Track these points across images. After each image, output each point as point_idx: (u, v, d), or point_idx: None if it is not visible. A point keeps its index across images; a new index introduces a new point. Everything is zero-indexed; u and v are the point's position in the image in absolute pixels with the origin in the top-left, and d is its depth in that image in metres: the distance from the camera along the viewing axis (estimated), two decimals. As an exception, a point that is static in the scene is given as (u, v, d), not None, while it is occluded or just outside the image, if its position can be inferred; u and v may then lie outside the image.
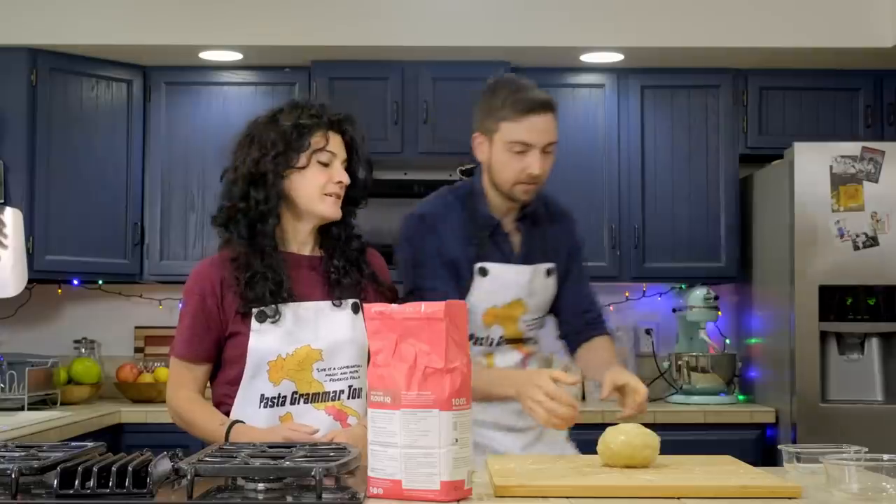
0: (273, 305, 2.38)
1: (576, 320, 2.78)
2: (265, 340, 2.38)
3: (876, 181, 4.16)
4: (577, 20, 4.45)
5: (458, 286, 2.60)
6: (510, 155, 2.58)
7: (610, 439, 2.11)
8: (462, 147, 4.74)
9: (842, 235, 4.16)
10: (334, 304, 2.47)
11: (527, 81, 2.64)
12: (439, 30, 4.45)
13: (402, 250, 2.68)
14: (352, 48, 4.49)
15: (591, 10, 4.41)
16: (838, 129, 4.68)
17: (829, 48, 4.45)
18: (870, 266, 4.16)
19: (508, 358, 2.71)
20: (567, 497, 1.86)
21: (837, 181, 4.18)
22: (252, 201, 2.42)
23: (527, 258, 2.68)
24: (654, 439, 2.12)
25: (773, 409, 4.33)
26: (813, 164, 4.20)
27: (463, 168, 2.76)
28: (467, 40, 4.46)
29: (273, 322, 2.38)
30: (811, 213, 4.18)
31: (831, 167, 4.18)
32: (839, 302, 4.20)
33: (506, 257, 2.66)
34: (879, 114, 4.71)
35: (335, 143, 2.48)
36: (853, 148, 4.20)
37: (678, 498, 1.85)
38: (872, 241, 4.16)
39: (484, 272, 2.63)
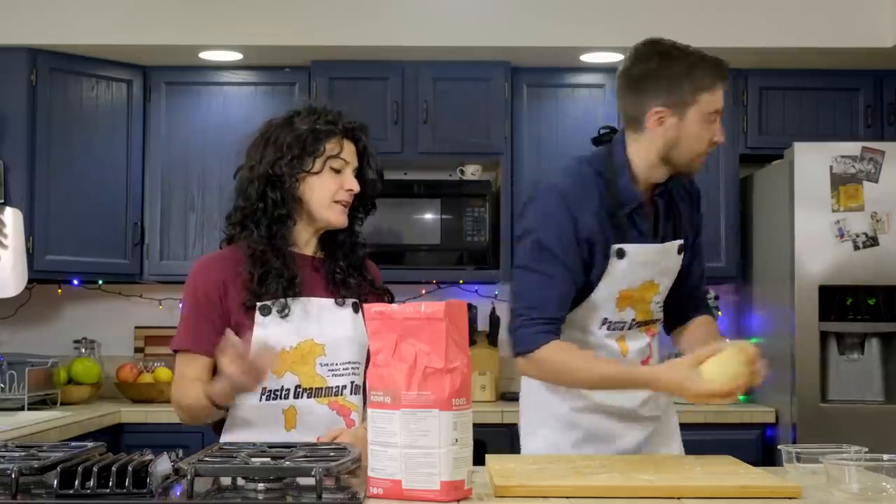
0: (283, 300, 2.40)
1: (686, 299, 2.63)
2: (270, 333, 2.39)
3: (876, 181, 4.16)
4: (577, 20, 4.45)
5: (585, 273, 2.44)
6: (706, 126, 2.40)
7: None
8: (462, 147, 4.77)
9: (842, 235, 4.16)
10: (337, 303, 2.49)
11: (685, 46, 2.43)
12: (439, 30, 4.45)
13: (531, 221, 2.46)
14: (352, 48, 4.49)
15: (591, 10, 4.41)
16: (838, 129, 4.68)
17: (829, 48, 4.45)
18: (870, 266, 4.16)
19: (638, 342, 2.56)
20: (567, 497, 1.86)
21: (837, 181, 4.18)
22: (269, 201, 2.45)
23: (662, 237, 2.52)
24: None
25: (773, 409, 4.33)
26: (813, 164, 4.20)
27: (597, 136, 2.51)
28: (467, 40, 4.46)
29: (282, 316, 2.40)
30: (811, 213, 4.18)
31: (831, 167, 4.18)
32: (839, 302, 4.20)
33: (643, 236, 2.48)
34: (879, 114, 4.71)
35: (349, 150, 2.52)
36: (853, 148, 4.20)
37: (678, 498, 1.85)
38: (872, 241, 4.16)
39: (621, 254, 2.44)
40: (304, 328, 2.42)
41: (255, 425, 2.39)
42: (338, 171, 2.49)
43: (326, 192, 2.47)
